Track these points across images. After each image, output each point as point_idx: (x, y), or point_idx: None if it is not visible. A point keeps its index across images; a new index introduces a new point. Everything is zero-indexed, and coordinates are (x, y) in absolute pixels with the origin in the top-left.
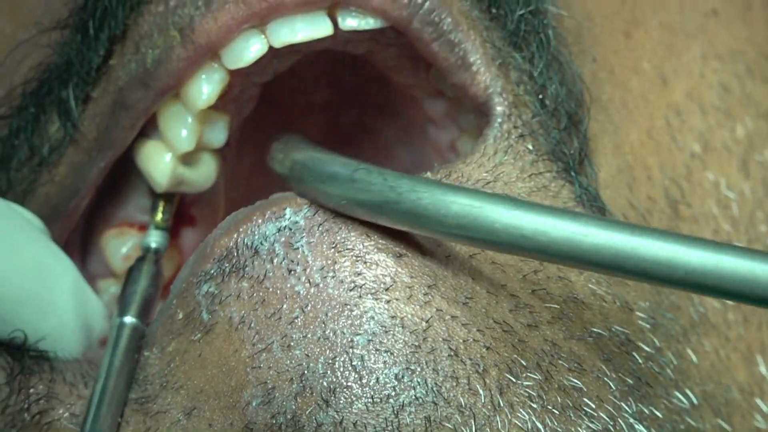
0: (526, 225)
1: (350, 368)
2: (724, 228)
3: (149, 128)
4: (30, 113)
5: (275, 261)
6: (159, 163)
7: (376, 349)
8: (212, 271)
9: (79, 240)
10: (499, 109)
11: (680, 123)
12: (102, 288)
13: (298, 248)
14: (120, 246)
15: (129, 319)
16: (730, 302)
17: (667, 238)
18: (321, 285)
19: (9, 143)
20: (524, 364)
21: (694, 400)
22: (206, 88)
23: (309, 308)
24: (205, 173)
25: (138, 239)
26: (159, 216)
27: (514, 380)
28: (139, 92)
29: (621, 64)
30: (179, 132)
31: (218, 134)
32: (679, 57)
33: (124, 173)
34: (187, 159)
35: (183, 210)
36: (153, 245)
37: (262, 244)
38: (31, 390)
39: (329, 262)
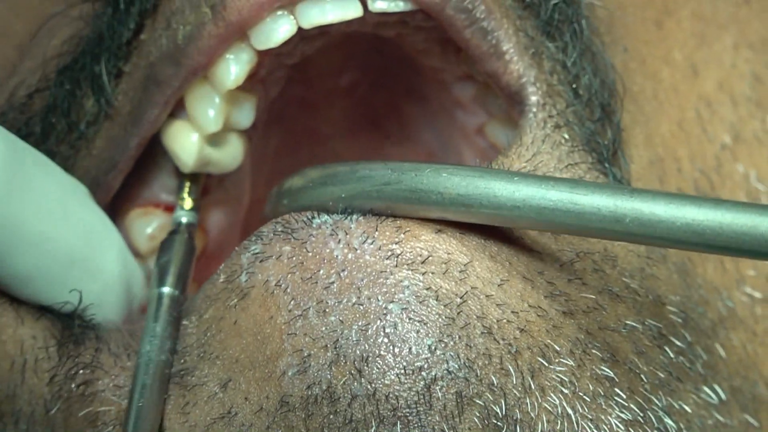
0: (528, 194)
1: (383, 336)
2: None
3: (177, 108)
4: (66, 89)
5: (322, 227)
6: (186, 143)
7: (410, 318)
8: (264, 232)
9: None
10: (533, 98)
11: (711, 114)
12: None
13: (346, 216)
14: (145, 226)
15: (167, 289)
16: (758, 296)
17: (666, 199)
18: (359, 251)
19: (47, 120)
20: (557, 349)
21: (723, 396)
22: (234, 68)
23: (345, 273)
24: (231, 154)
25: (163, 220)
26: (185, 196)
27: (546, 364)
28: (170, 69)
29: (652, 54)
30: (207, 112)
31: (245, 115)
32: (710, 47)
33: (150, 153)
34: (214, 139)
35: (209, 190)
36: (184, 220)
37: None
38: (78, 359)
39: (371, 229)
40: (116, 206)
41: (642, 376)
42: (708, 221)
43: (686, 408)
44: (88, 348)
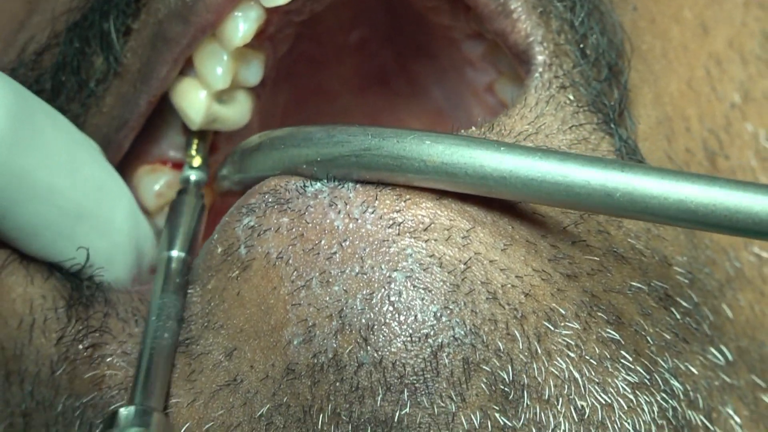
0: (515, 165)
1: (388, 304)
2: (762, 180)
3: (185, 66)
4: (75, 47)
5: (319, 196)
6: (194, 100)
7: (414, 286)
8: (255, 204)
9: None
10: (539, 58)
11: (720, 73)
12: None
13: (341, 185)
14: (153, 183)
15: (176, 253)
16: (766, 256)
17: (659, 175)
18: (360, 221)
19: (57, 77)
20: (563, 313)
21: (729, 357)
22: (242, 26)
23: (347, 243)
24: (239, 111)
25: (171, 177)
26: (193, 153)
27: (552, 328)
28: (179, 26)
29: (662, 12)
30: (215, 70)
31: (254, 73)
32: (720, 5)
33: (157, 110)
34: (222, 97)
35: (217, 147)
36: (194, 177)
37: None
38: (88, 322)
39: (371, 198)
40: (125, 163)
41: (648, 338)
42: (701, 198)
43: (692, 369)
44: (98, 311)
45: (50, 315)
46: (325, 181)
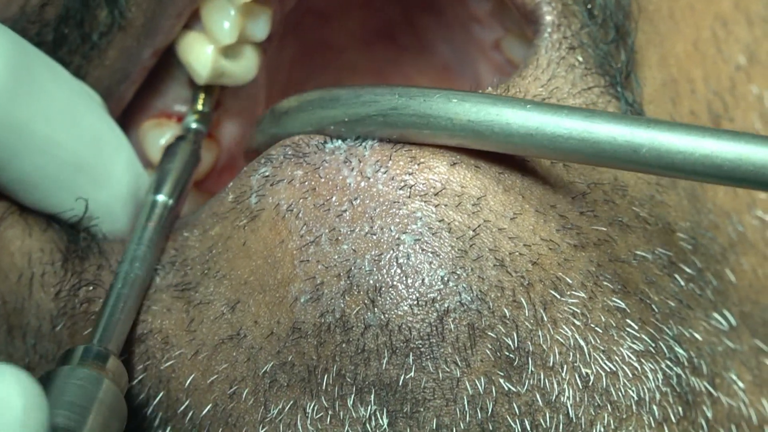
0: (542, 122)
1: (396, 266)
2: None
3: (191, 20)
4: (79, 1)
5: (335, 153)
6: (200, 54)
7: (423, 249)
8: (273, 155)
9: None
10: (548, 18)
11: (726, 34)
12: None
13: (360, 143)
14: (158, 137)
15: (161, 197)
16: None
17: (684, 130)
18: (372, 179)
19: (59, 30)
20: (569, 282)
21: (733, 322)
22: None
23: (358, 202)
24: (246, 66)
25: (177, 131)
26: (199, 107)
27: (558, 297)
28: None
29: None
30: (222, 24)
31: (261, 28)
32: None
33: (163, 64)
34: (229, 51)
35: (223, 102)
36: (193, 126)
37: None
38: (82, 275)
39: (385, 158)
40: (130, 117)
41: (653, 306)
42: (726, 153)
43: (696, 336)
44: (92, 264)
45: (48, 269)
46: (349, 140)
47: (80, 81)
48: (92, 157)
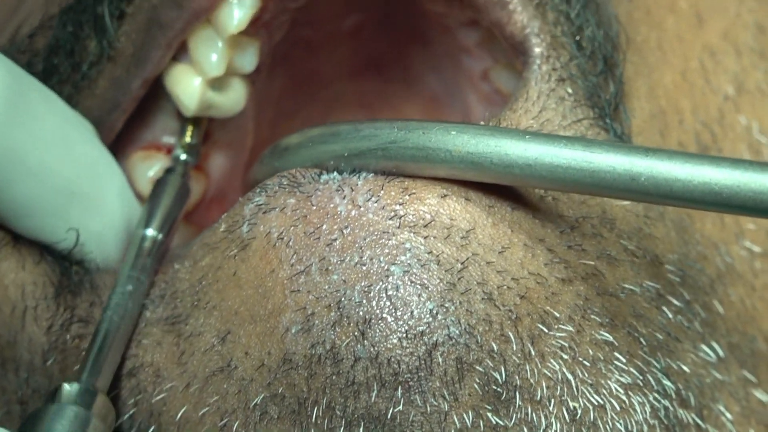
0: (540, 153)
1: (386, 298)
2: None
3: (179, 51)
4: (69, 31)
5: (329, 182)
6: (188, 86)
7: (411, 282)
8: (269, 185)
9: None
10: (537, 50)
11: (714, 64)
12: None
13: (355, 174)
14: (147, 169)
15: (151, 232)
16: (757, 250)
17: (682, 158)
18: (363, 208)
19: (49, 60)
20: (557, 316)
21: (721, 353)
22: (238, 12)
23: (348, 231)
24: (234, 98)
25: (165, 162)
26: (187, 139)
27: (546, 331)
28: (173, 12)
29: (657, 3)
30: (209, 56)
31: (249, 60)
32: None
33: (152, 96)
34: (217, 83)
35: (211, 133)
36: (182, 158)
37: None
38: (75, 311)
39: (377, 187)
40: (119, 149)
41: (641, 338)
42: (725, 180)
43: (684, 368)
44: (84, 300)
45: (41, 302)
46: (345, 172)
47: (73, 109)
48: (85, 185)
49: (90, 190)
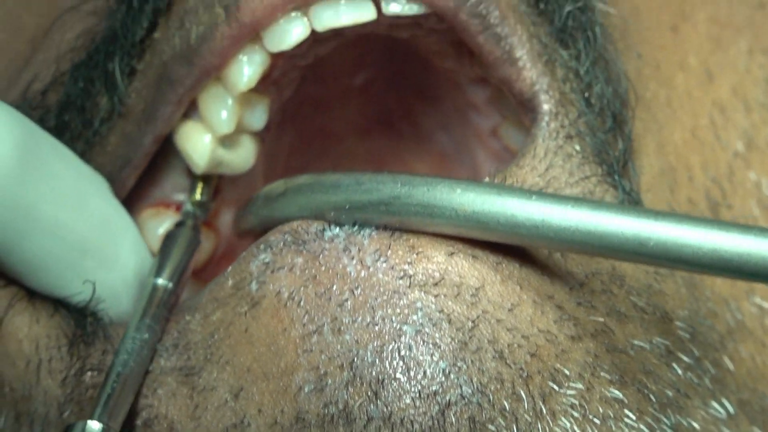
0: (548, 214)
1: (398, 358)
2: None
3: (189, 108)
4: (80, 87)
5: (335, 240)
6: (198, 144)
7: (424, 341)
8: (273, 241)
9: None
10: (545, 107)
11: (724, 120)
12: None
13: (359, 231)
14: (157, 226)
15: (161, 281)
16: (767, 307)
17: (692, 223)
18: (372, 269)
19: (61, 116)
20: (567, 373)
21: (731, 410)
22: (247, 70)
23: (359, 291)
24: (244, 155)
25: (175, 220)
26: (197, 196)
27: (556, 389)
28: (183, 69)
29: (667, 59)
30: (219, 114)
31: (258, 117)
32: (725, 51)
33: (162, 153)
34: (227, 141)
35: (221, 190)
36: (192, 212)
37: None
38: (88, 360)
39: (384, 247)
40: (129, 206)
41: (651, 395)
42: (735, 247)
43: (694, 425)
44: (97, 349)
45: (55, 354)
46: (347, 227)
47: (86, 164)
48: (100, 240)
49: (104, 245)
